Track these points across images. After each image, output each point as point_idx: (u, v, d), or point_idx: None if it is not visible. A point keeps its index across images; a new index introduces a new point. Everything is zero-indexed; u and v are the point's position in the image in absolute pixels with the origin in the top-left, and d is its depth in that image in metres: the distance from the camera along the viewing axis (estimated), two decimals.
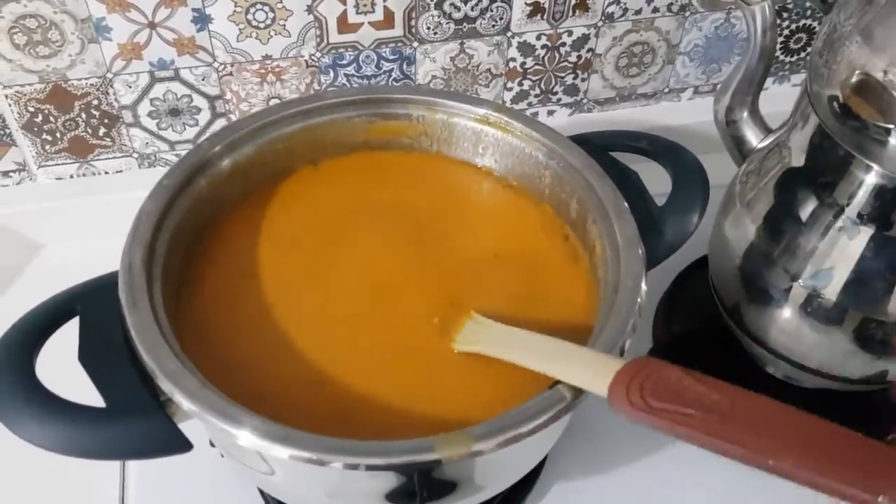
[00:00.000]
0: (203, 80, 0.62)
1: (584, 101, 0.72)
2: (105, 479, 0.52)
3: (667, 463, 0.55)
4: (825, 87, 0.45)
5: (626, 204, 0.45)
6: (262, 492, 0.51)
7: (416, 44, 0.64)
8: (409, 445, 0.35)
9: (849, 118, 0.44)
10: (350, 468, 0.35)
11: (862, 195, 0.46)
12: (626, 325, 0.41)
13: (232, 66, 0.62)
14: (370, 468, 0.35)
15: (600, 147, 0.50)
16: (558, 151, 0.48)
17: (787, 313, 0.51)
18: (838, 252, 0.47)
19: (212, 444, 0.48)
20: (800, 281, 0.49)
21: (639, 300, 0.42)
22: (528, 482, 0.52)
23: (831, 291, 0.48)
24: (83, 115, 0.62)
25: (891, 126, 0.42)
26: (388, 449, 0.35)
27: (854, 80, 0.43)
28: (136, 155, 0.66)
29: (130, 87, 0.61)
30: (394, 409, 0.41)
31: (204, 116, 0.65)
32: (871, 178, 0.45)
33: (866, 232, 0.46)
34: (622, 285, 0.42)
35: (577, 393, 0.38)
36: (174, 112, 0.64)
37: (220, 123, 0.66)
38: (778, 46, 0.72)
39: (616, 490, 0.54)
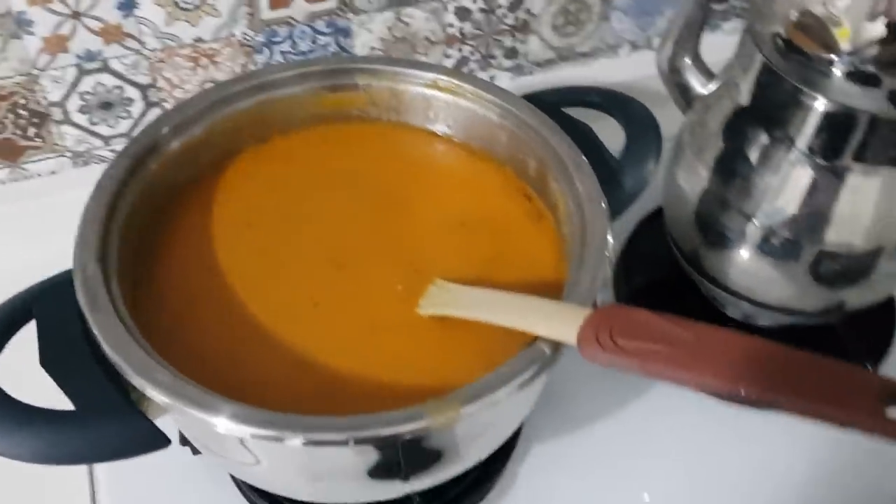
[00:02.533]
0: (133, 68, 0.60)
1: (525, 63, 0.71)
2: (74, 488, 0.50)
3: (635, 418, 0.55)
4: (768, 25, 0.45)
5: (584, 158, 0.45)
6: (237, 484, 0.50)
7: (351, 15, 0.62)
8: (399, 416, 0.35)
9: (793, 53, 0.44)
10: (339, 444, 0.34)
11: (810, 127, 0.46)
12: (597, 277, 0.41)
13: (162, 51, 0.60)
14: (359, 442, 0.34)
15: (551, 104, 0.50)
16: (512, 111, 0.48)
17: (744, 254, 0.52)
18: (791, 187, 0.48)
19: (182, 443, 0.47)
20: (755, 220, 0.50)
21: (607, 253, 0.42)
22: (507, 446, 0.52)
23: (786, 227, 0.49)
24: (10, 116, 0.59)
25: (833, 57, 0.43)
26: (376, 421, 0.35)
27: (795, 16, 0.44)
28: (69, 154, 0.64)
29: (58, 82, 0.59)
30: (374, 382, 0.40)
31: (137, 107, 0.63)
32: (818, 110, 0.45)
33: (816, 164, 0.47)
34: (589, 239, 0.42)
35: (556, 346, 0.37)
36: (106, 105, 0.62)
37: (155, 113, 0.64)
38: None
39: (591, 446, 0.54)
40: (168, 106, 0.64)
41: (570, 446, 0.54)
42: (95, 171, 0.45)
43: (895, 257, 0.50)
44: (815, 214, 0.48)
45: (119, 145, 0.64)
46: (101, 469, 0.51)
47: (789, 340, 0.57)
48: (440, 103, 0.50)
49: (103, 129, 0.63)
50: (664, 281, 0.61)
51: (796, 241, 0.49)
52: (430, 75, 0.50)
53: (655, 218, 0.62)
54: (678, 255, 0.57)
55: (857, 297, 0.53)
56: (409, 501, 0.45)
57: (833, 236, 0.49)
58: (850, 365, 0.32)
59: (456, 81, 0.49)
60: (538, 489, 0.52)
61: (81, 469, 0.50)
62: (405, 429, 0.35)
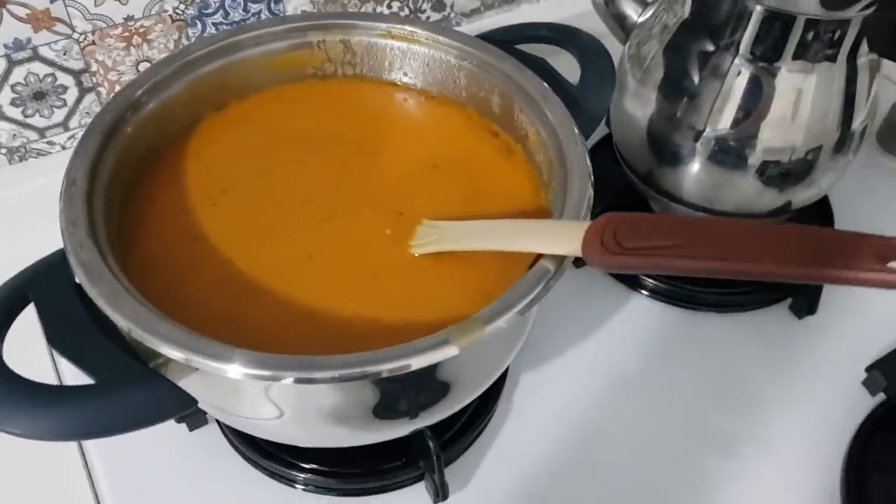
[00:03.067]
0: (65, 54, 0.58)
1: (452, 14, 0.72)
2: (69, 468, 0.49)
3: (614, 336, 0.58)
4: None
5: (547, 86, 0.47)
6: (238, 450, 0.50)
7: None
8: (426, 343, 0.36)
9: None
10: (369, 377, 0.35)
11: (749, 34, 0.49)
12: (585, 193, 0.42)
13: (93, 34, 0.58)
14: (392, 372, 0.35)
15: (505, 42, 0.51)
16: (469, 51, 0.49)
17: (697, 166, 0.54)
18: (735, 94, 0.51)
19: (178, 420, 0.47)
20: (704, 133, 0.53)
21: (588, 170, 0.43)
22: (500, 379, 0.54)
23: (734, 134, 0.52)
24: None
25: None
26: (404, 352, 0.35)
27: None
28: (3, 150, 0.61)
29: None
30: (378, 324, 0.41)
31: (72, 94, 0.61)
32: (755, 16, 0.48)
33: (758, 69, 0.50)
34: (568, 160, 0.44)
35: (559, 261, 0.39)
36: (39, 95, 0.60)
37: (90, 99, 0.62)
38: None
39: (575, 367, 0.56)
40: (103, 90, 0.62)
41: (555, 370, 0.56)
42: (33, 167, 0.44)
43: (833, 154, 0.54)
44: (759, 119, 0.51)
45: (56, 136, 0.62)
46: (94, 450, 0.50)
47: None
48: (395, 52, 0.51)
49: (38, 121, 0.61)
50: (619, 204, 0.62)
51: (744, 146, 0.52)
52: (384, 25, 0.50)
53: (602, 146, 0.65)
54: (632, 176, 0.59)
55: (802, 194, 0.56)
56: (421, 435, 0.46)
57: (777, 139, 0.52)
58: (845, 231, 0.34)
59: (410, 28, 0.50)
60: (532, 410, 0.54)
61: (74, 453, 0.49)
62: (434, 356, 0.36)
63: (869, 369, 0.55)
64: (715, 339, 0.58)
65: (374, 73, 0.52)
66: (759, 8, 0.48)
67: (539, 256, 0.40)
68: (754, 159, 0.53)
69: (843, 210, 0.65)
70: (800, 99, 0.51)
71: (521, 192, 0.47)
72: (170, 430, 0.51)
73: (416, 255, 0.44)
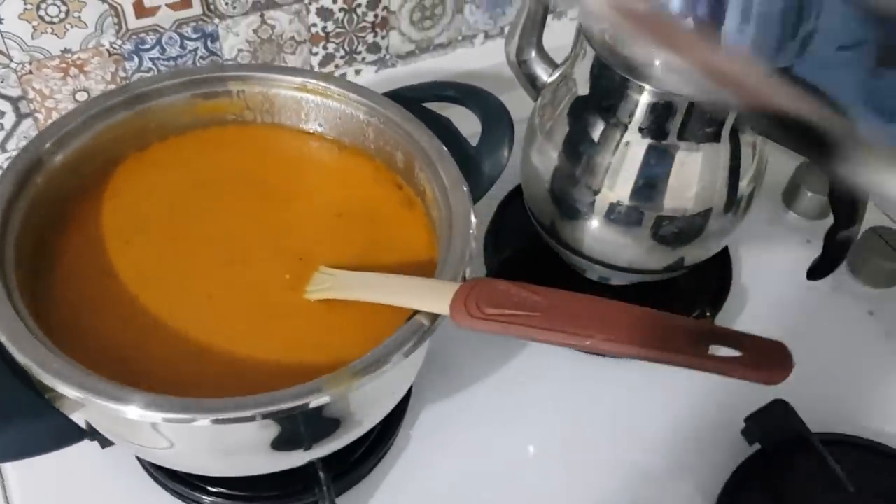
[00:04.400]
0: (2, 82, 0.61)
1: (387, 56, 0.76)
2: None
3: (515, 376, 0.61)
4: (596, 23, 0.51)
5: (445, 148, 0.50)
6: (147, 470, 0.53)
7: (216, 20, 0.65)
8: (300, 391, 0.39)
9: (619, 48, 0.50)
10: (247, 421, 0.38)
11: (640, 112, 0.53)
12: (464, 254, 0.46)
13: (31, 64, 0.61)
14: (266, 416, 0.39)
15: (412, 100, 0.55)
16: (376, 108, 0.53)
17: (594, 223, 0.58)
18: (628, 164, 0.55)
19: (91, 438, 0.50)
20: (600, 193, 0.56)
21: (471, 231, 0.47)
22: (398, 412, 0.57)
23: (627, 198, 0.56)
24: None
25: (653, 50, 0.49)
26: (279, 398, 0.39)
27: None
28: None
29: None
30: (270, 364, 0.44)
31: (9, 119, 0.64)
32: (645, 97, 0.52)
33: (647, 143, 0.54)
34: (455, 221, 0.47)
35: (433, 318, 0.43)
36: None
37: (27, 124, 0.65)
38: None
39: (476, 404, 0.59)
40: (40, 116, 0.65)
41: (456, 406, 0.59)
42: None
43: (722, 217, 0.58)
44: (650, 186, 0.55)
45: None
46: (11, 468, 0.52)
47: (641, 295, 0.64)
48: (311, 105, 0.54)
49: None
50: (529, 251, 0.67)
51: (637, 209, 0.56)
52: (299, 80, 0.54)
53: (517, 193, 0.68)
54: (538, 226, 0.63)
55: (694, 253, 0.60)
56: (312, 467, 0.49)
57: (668, 203, 0.56)
58: (675, 316, 0.38)
59: (323, 84, 0.54)
60: (430, 447, 0.57)
61: None
62: (307, 402, 0.39)
63: (746, 419, 0.58)
64: (615, 381, 0.61)
65: (291, 122, 0.55)
66: (645, 91, 0.52)
67: (417, 311, 0.43)
68: (646, 220, 0.57)
69: (747, 263, 0.69)
70: (687, 171, 0.55)
71: (418, 244, 0.51)
72: (83, 448, 0.53)
73: (311, 300, 0.47)
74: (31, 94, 0.63)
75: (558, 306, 0.39)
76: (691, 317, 0.63)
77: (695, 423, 0.60)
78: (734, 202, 0.57)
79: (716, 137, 0.54)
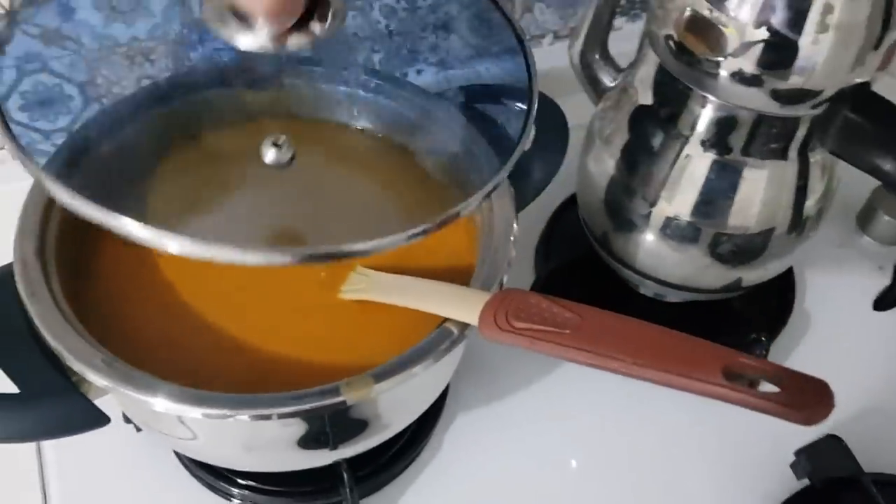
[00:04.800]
0: (72, 67, 0.62)
1: (448, 58, 0.75)
2: (22, 463, 0.53)
3: (556, 386, 0.60)
4: (661, 27, 0.49)
5: (492, 150, 0.49)
6: (180, 458, 0.54)
7: None
8: (318, 392, 0.38)
9: (683, 55, 0.48)
10: (262, 419, 0.38)
11: (702, 124, 0.51)
12: (503, 261, 0.45)
13: (100, 51, 0.62)
14: (282, 416, 0.38)
15: (465, 101, 0.53)
16: (427, 107, 0.52)
17: (649, 237, 0.56)
18: (687, 177, 0.53)
19: (126, 421, 0.50)
20: (656, 207, 0.54)
21: (511, 238, 0.46)
22: (432, 416, 0.56)
23: (685, 213, 0.54)
24: None
25: (720, 59, 0.47)
26: (298, 398, 0.38)
27: (685, 18, 0.48)
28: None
29: None
30: (298, 361, 0.44)
31: (76, 104, 0.65)
32: (708, 109, 0.50)
33: (709, 157, 0.51)
34: (496, 227, 0.46)
35: (463, 328, 0.41)
36: (45, 102, 0.64)
37: (94, 109, 0.66)
38: None
39: (513, 413, 0.58)
40: (106, 102, 0.66)
41: (494, 413, 0.58)
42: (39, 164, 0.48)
43: (785, 238, 0.55)
44: (709, 201, 0.53)
45: (60, 139, 0.67)
46: (49, 447, 0.54)
47: (695, 314, 0.62)
48: (362, 101, 0.54)
49: (43, 125, 0.65)
50: (582, 262, 0.65)
51: (694, 225, 0.54)
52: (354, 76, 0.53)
53: (573, 201, 0.66)
54: (590, 237, 0.61)
55: (753, 273, 0.57)
56: (338, 468, 0.49)
57: (728, 220, 0.53)
58: (717, 346, 0.36)
59: (376, 81, 0.53)
60: (463, 453, 0.56)
61: (30, 448, 0.53)
62: (322, 404, 0.38)
63: (797, 452, 0.55)
64: (663, 401, 0.59)
65: (340, 118, 0.54)
66: (711, 102, 0.49)
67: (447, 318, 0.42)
68: (704, 237, 0.54)
69: (812, 287, 0.66)
70: (750, 188, 0.52)
71: (460, 248, 0.49)
72: (119, 431, 0.54)
73: (345, 300, 0.46)
74: (99, 80, 0.64)
75: (590, 325, 0.38)
76: (746, 340, 0.60)
77: (743, 451, 0.57)
78: (799, 223, 0.54)
79: (783, 154, 0.51)
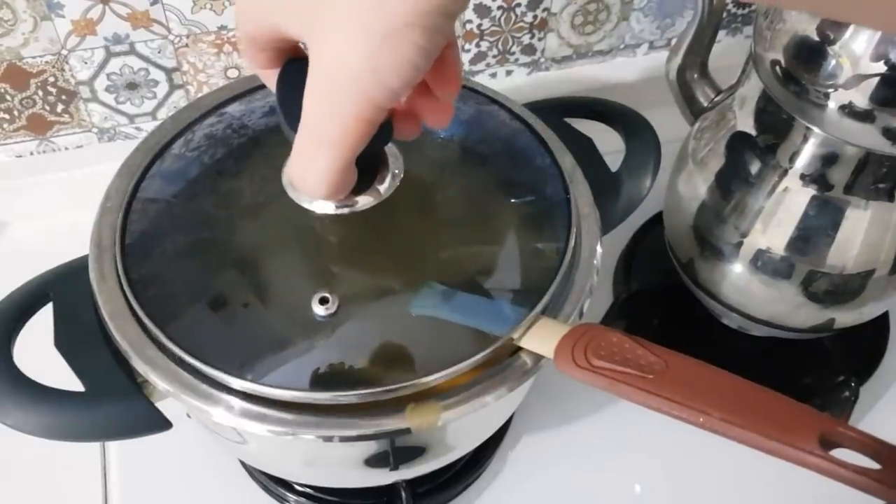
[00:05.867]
0: (159, 52, 0.62)
1: (542, 59, 0.72)
2: (86, 455, 0.54)
3: (631, 416, 0.57)
4: (768, 50, 0.46)
5: (581, 173, 0.47)
6: (242, 463, 0.53)
7: None
8: (380, 417, 0.37)
9: (790, 82, 0.45)
10: (325, 440, 0.37)
11: (804, 157, 0.48)
12: (585, 287, 0.43)
13: (187, 37, 0.62)
14: (343, 440, 0.37)
15: (554, 112, 0.51)
16: (514, 119, 0.50)
17: (738, 269, 0.53)
18: (784, 211, 0.50)
19: (189, 415, 0.50)
20: (748, 238, 0.51)
21: (595, 263, 0.43)
22: (498, 435, 0.55)
23: (779, 247, 0.51)
24: (40, 93, 0.62)
25: (829, 90, 0.44)
26: (359, 422, 0.37)
27: (795, 44, 0.45)
28: (95, 130, 0.66)
29: (86, 62, 0.61)
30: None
31: (162, 89, 0.65)
32: (812, 141, 0.47)
33: (809, 192, 0.48)
34: (579, 252, 0.44)
35: (537, 360, 0.39)
36: (132, 86, 0.64)
37: (179, 95, 0.66)
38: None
39: (580, 439, 0.56)
40: (192, 89, 0.66)
41: (561, 437, 0.56)
42: (120, 147, 0.48)
43: (884, 281, 0.51)
44: (805, 238, 0.50)
45: (144, 123, 0.67)
46: (113, 444, 0.54)
47: (780, 352, 0.59)
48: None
49: (129, 108, 0.66)
50: (663, 286, 0.62)
51: (787, 260, 0.51)
52: None
53: (659, 220, 0.64)
54: (675, 262, 0.58)
55: (846, 316, 0.54)
56: (396, 485, 0.48)
57: (824, 259, 0.50)
58: (799, 405, 0.33)
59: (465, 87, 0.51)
60: (527, 477, 0.54)
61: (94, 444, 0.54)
62: (388, 430, 0.37)
63: None
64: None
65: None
66: (815, 135, 0.46)
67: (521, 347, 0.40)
68: (797, 274, 0.51)
69: None
70: (851, 228, 0.49)
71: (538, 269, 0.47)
72: (182, 431, 0.54)
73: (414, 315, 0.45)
74: (185, 67, 0.64)
75: (676, 372, 0.35)
76: (834, 382, 0.57)
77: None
78: None
79: (889, 196, 0.48)
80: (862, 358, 0.60)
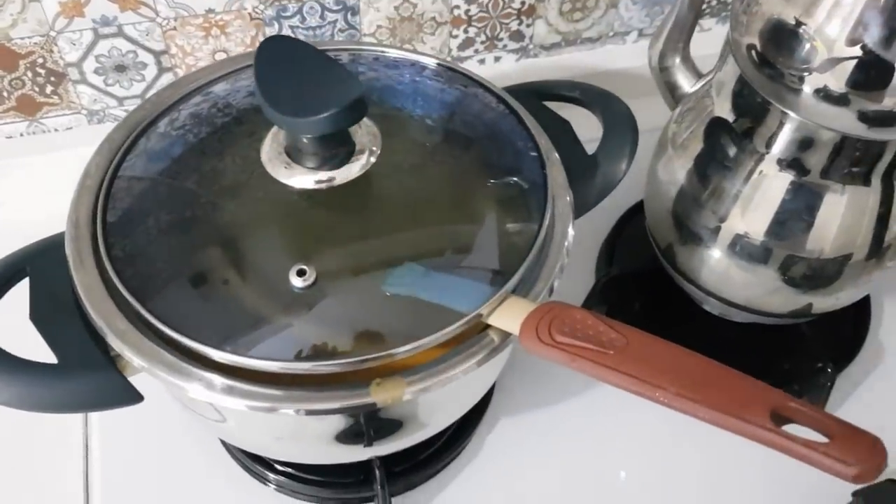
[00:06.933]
0: (147, 35, 0.63)
1: (530, 46, 0.73)
2: (69, 430, 0.54)
3: (610, 400, 0.57)
4: (744, 35, 0.46)
5: (556, 154, 0.47)
6: (223, 442, 0.54)
7: None
8: (347, 392, 0.38)
9: (765, 66, 0.45)
10: (295, 413, 0.37)
11: (780, 142, 0.48)
12: (555, 266, 0.43)
13: (175, 20, 0.62)
14: (310, 413, 0.37)
15: (534, 96, 0.52)
16: (494, 101, 0.50)
17: (716, 253, 0.53)
18: (761, 195, 0.50)
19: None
20: (726, 223, 0.51)
21: (566, 243, 0.44)
22: (475, 416, 0.55)
23: (756, 232, 0.51)
24: (29, 74, 0.63)
25: (804, 74, 0.44)
26: (328, 396, 0.38)
27: (769, 28, 0.45)
28: (84, 111, 0.67)
29: (75, 44, 0.62)
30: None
31: (150, 72, 0.65)
32: (788, 126, 0.47)
33: (786, 177, 0.49)
34: (552, 233, 0.44)
35: (504, 337, 0.40)
36: (120, 68, 0.64)
37: (168, 78, 0.66)
38: None
39: (558, 422, 0.56)
40: (180, 72, 0.66)
41: (540, 419, 0.57)
42: (109, 129, 0.48)
43: (861, 265, 0.51)
44: (782, 222, 0.50)
45: (132, 105, 0.67)
46: (95, 417, 0.55)
47: (760, 338, 0.59)
48: (427, 90, 0.52)
49: (117, 90, 0.66)
50: (644, 272, 0.62)
51: (765, 245, 0.51)
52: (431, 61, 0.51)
53: (642, 208, 0.64)
54: (655, 247, 0.58)
55: (824, 301, 0.54)
56: (370, 464, 0.48)
57: (801, 243, 0.50)
58: (754, 380, 0.33)
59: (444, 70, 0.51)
60: (503, 459, 0.55)
61: (77, 417, 0.54)
62: (353, 404, 0.38)
63: (855, 494, 0.52)
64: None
65: (404, 105, 0.53)
66: (791, 119, 0.46)
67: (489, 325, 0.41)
68: (774, 258, 0.51)
69: (889, 318, 0.62)
70: (827, 212, 0.49)
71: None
72: (165, 410, 0.54)
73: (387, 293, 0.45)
74: (174, 50, 0.64)
75: (635, 348, 0.36)
76: (811, 369, 0.57)
77: (798, 489, 0.54)
78: (878, 251, 0.51)
79: (865, 180, 0.48)
80: (842, 345, 0.60)
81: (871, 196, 0.49)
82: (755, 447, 0.54)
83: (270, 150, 0.45)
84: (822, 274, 0.52)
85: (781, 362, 0.59)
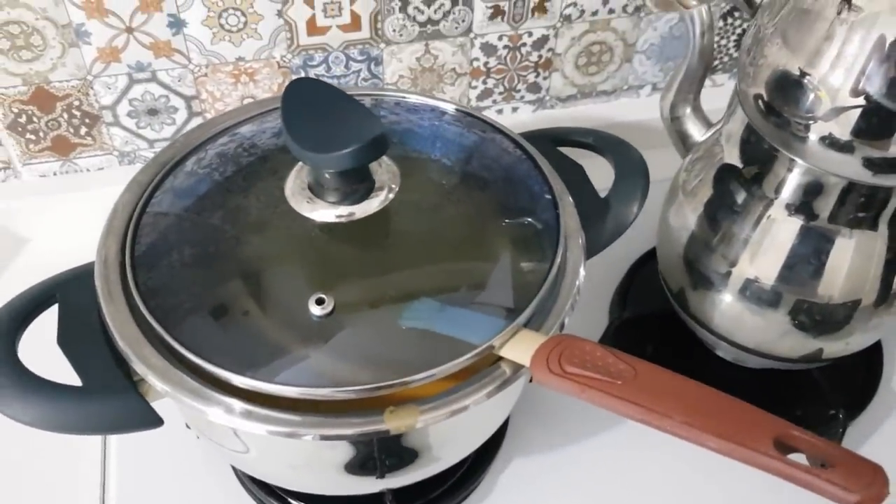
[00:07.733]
0: (179, 80, 0.66)
1: (547, 97, 0.75)
2: (87, 455, 0.56)
3: (623, 441, 0.58)
4: (751, 85, 0.48)
5: (569, 197, 0.49)
6: (235, 471, 0.55)
7: (382, 45, 0.67)
8: (362, 419, 0.39)
9: (772, 115, 0.47)
10: (313, 438, 0.38)
11: (788, 187, 0.49)
12: (566, 303, 0.44)
13: (206, 67, 0.65)
14: (325, 438, 0.38)
15: (549, 141, 0.53)
16: (510, 145, 0.52)
17: (727, 298, 0.54)
18: (770, 240, 0.51)
19: (188, 426, 0.52)
20: (736, 268, 0.53)
21: (577, 282, 0.45)
22: (488, 455, 0.56)
23: (766, 277, 0.52)
24: (65, 115, 0.65)
25: (809, 122, 0.45)
26: (343, 422, 0.39)
27: (775, 78, 0.46)
28: (116, 153, 0.69)
29: (110, 88, 0.64)
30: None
31: (181, 116, 0.68)
32: (795, 172, 0.48)
33: (794, 222, 0.50)
34: (564, 271, 0.45)
35: (516, 369, 0.41)
36: (152, 112, 0.67)
37: (197, 122, 0.69)
38: (731, 44, 0.76)
39: (573, 462, 0.57)
40: (209, 116, 0.69)
41: (554, 461, 0.57)
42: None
43: (871, 311, 0.52)
44: (791, 267, 0.51)
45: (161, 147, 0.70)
46: (114, 440, 0.56)
47: (773, 384, 0.60)
48: (446, 134, 0.54)
49: (149, 133, 0.69)
50: (657, 317, 0.63)
51: (775, 290, 0.52)
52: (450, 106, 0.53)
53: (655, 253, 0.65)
54: (667, 291, 0.59)
55: (834, 346, 0.55)
56: (382, 497, 0.49)
57: (810, 288, 0.51)
58: (757, 409, 0.34)
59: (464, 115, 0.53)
60: (516, 498, 0.55)
61: (96, 439, 0.56)
62: (366, 430, 0.39)
63: None
64: (724, 476, 0.57)
65: (423, 148, 0.55)
66: (797, 166, 0.48)
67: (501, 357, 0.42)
68: (784, 303, 0.52)
69: None
70: (836, 257, 0.50)
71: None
72: (181, 436, 0.56)
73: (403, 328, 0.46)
74: (204, 95, 0.67)
75: (643, 379, 0.37)
76: (823, 416, 0.58)
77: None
78: (887, 297, 0.52)
79: (872, 225, 0.49)
80: (854, 392, 0.60)
81: (878, 241, 0.50)
82: (767, 484, 0.54)
83: (294, 186, 0.47)
84: (831, 319, 0.53)
85: (794, 409, 0.59)
